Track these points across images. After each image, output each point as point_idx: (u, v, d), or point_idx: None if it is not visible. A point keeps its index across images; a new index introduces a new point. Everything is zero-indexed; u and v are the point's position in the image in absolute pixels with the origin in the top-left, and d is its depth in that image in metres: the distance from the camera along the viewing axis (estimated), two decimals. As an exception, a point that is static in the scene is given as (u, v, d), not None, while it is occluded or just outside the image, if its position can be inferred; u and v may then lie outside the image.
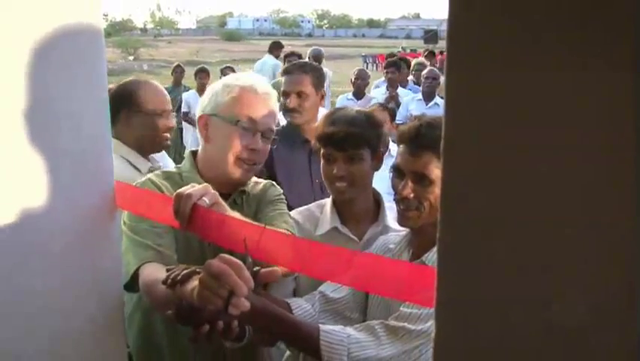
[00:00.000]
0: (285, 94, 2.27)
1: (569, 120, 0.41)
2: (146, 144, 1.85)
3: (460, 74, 0.43)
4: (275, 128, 1.47)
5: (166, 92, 1.95)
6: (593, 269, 0.42)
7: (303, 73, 2.31)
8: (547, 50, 0.41)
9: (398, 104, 4.77)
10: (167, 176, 1.45)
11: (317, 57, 5.65)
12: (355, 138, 1.49)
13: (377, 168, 1.61)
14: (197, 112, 1.48)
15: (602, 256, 0.41)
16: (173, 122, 1.94)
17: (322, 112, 2.26)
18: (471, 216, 0.44)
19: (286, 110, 2.26)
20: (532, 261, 0.43)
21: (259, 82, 1.44)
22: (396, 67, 5.52)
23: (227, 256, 0.97)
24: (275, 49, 7.13)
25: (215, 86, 1.46)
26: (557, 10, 0.40)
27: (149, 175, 1.44)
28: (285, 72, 2.36)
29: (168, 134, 1.89)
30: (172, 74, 7.60)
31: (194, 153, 1.50)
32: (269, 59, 7.00)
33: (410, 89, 5.68)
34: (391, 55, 7.31)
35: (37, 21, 0.89)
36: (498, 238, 0.44)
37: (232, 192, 1.44)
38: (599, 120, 0.40)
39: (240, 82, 1.43)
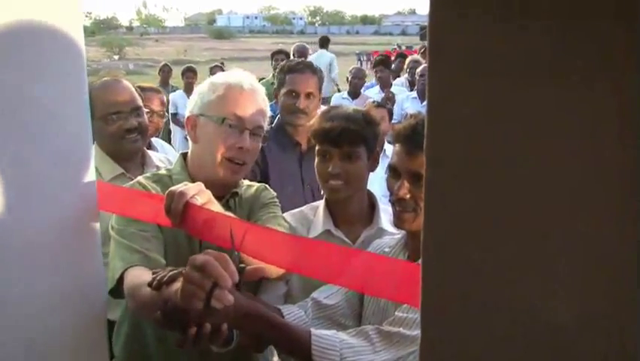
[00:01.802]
0: (293, 93, 2.22)
1: (555, 121, 0.41)
2: (108, 152, 1.78)
3: (442, 76, 0.44)
4: (265, 125, 1.46)
5: (123, 90, 1.80)
6: (580, 272, 0.42)
7: (313, 73, 2.28)
8: (531, 51, 0.41)
9: (394, 104, 4.78)
10: (157, 179, 1.45)
11: (302, 53, 5.66)
12: (352, 135, 1.50)
13: (373, 168, 1.61)
14: (185, 113, 1.48)
15: (588, 258, 0.42)
16: (128, 123, 1.77)
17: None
18: (455, 218, 0.45)
19: (291, 110, 2.22)
20: (517, 264, 0.44)
21: (246, 78, 1.44)
22: (385, 65, 5.55)
23: (213, 250, 0.97)
24: (325, 42, 7.81)
25: (202, 85, 1.46)
26: (542, 12, 0.40)
27: (139, 178, 1.44)
28: (292, 70, 2.27)
29: (129, 136, 1.77)
30: (159, 73, 7.59)
31: (184, 155, 1.50)
32: (324, 53, 7.27)
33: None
34: (383, 55, 7.43)
35: (15, 19, 0.89)
36: (482, 240, 0.44)
37: (224, 194, 1.44)
38: (585, 122, 0.40)
39: (225, 79, 1.42)
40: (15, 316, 1.00)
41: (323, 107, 3.74)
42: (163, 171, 1.49)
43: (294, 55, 5.46)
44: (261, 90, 1.46)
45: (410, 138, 1.29)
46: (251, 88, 1.42)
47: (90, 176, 1.11)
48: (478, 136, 0.43)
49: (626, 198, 0.41)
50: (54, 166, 1.02)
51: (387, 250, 1.42)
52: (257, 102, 1.43)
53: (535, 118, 0.42)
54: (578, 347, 0.43)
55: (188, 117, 1.45)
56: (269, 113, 1.49)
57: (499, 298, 0.45)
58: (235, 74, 1.46)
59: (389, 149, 3.22)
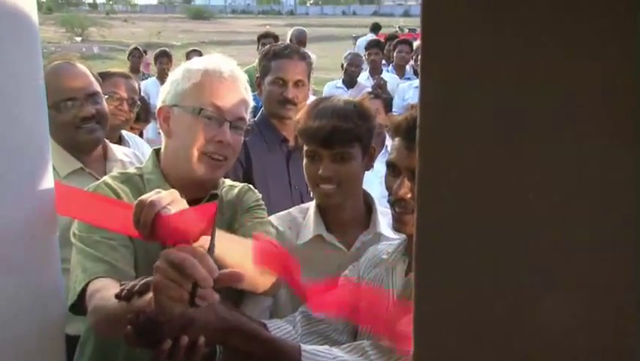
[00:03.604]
0: (280, 82, 2.19)
1: (546, 122, 0.43)
2: (63, 144, 1.76)
3: (435, 67, 0.45)
4: (247, 117, 1.45)
5: (77, 74, 1.79)
6: (579, 270, 0.44)
7: (301, 59, 2.25)
8: (533, 31, 0.43)
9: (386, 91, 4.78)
10: (126, 178, 1.43)
11: (300, 39, 5.57)
12: (344, 134, 1.48)
13: (369, 167, 1.61)
14: (157, 103, 1.46)
15: (588, 256, 0.44)
16: (84, 111, 1.76)
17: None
18: (449, 213, 0.46)
19: (278, 100, 2.20)
20: (515, 261, 0.46)
21: (226, 64, 1.43)
22: (380, 47, 5.56)
23: (187, 246, 0.97)
24: (375, 29, 8.52)
25: (176, 72, 1.45)
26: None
27: (105, 178, 1.43)
28: (279, 56, 2.23)
29: (85, 126, 1.76)
30: (128, 58, 7.59)
31: (157, 152, 1.49)
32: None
33: (409, 78, 5.72)
34: (392, 37, 7.25)
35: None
36: (478, 236, 0.46)
37: (202, 196, 1.43)
38: (575, 124, 0.43)
39: (203, 65, 1.41)
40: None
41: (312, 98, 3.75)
42: (133, 170, 1.49)
43: (291, 41, 5.24)
44: (243, 78, 1.45)
45: (411, 131, 1.28)
46: (231, 75, 1.41)
47: (47, 175, 1.10)
48: (472, 133, 0.45)
49: (625, 197, 0.43)
50: (7, 164, 1.01)
51: (384, 256, 1.43)
52: (238, 91, 1.42)
53: (529, 116, 0.43)
54: (580, 346, 0.45)
55: (160, 108, 1.43)
56: (252, 103, 1.48)
57: (495, 306, 0.46)
58: (213, 60, 1.44)
59: (390, 144, 3.20)
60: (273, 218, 1.62)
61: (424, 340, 0.49)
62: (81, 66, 1.85)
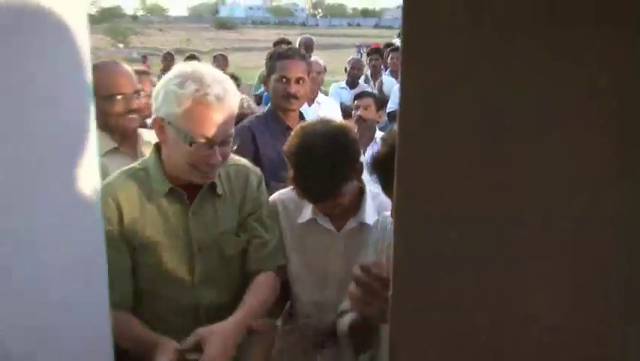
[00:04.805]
0: (284, 79, 2.26)
1: (538, 107, 0.40)
2: (104, 128, 1.82)
3: (415, 77, 0.43)
4: (235, 112, 1.38)
5: (125, 72, 1.88)
6: (563, 274, 0.41)
7: (301, 59, 2.34)
8: (515, 33, 0.40)
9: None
10: (132, 173, 1.42)
11: (307, 45, 5.67)
12: (332, 191, 1.41)
13: (359, 179, 1.54)
14: (152, 106, 1.39)
15: (573, 260, 0.41)
16: (132, 104, 1.86)
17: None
18: (427, 212, 0.43)
19: (283, 95, 2.27)
20: (498, 269, 0.42)
21: (213, 85, 1.29)
22: (379, 53, 5.64)
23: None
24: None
25: (166, 85, 1.33)
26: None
27: (109, 179, 1.41)
28: (282, 57, 2.31)
29: (130, 116, 1.84)
30: (162, 61, 7.63)
31: (158, 147, 1.45)
32: None
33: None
34: (388, 45, 7.26)
35: (19, 2, 0.90)
36: (460, 245, 0.43)
37: (201, 185, 1.43)
38: (575, 106, 0.40)
39: (191, 89, 1.28)
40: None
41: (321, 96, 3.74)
42: (138, 166, 1.46)
43: (299, 47, 5.45)
44: (230, 89, 1.34)
45: (386, 167, 1.21)
46: (217, 98, 1.29)
47: (94, 169, 1.04)
48: (451, 135, 0.42)
49: (611, 199, 0.40)
50: (58, 159, 1.00)
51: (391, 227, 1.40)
52: (225, 110, 1.32)
53: (512, 116, 0.41)
54: (568, 347, 0.41)
55: (154, 118, 1.37)
56: (239, 96, 1.43)
57: (477, 318, 0.43)
58: (202, 80, 1.30)
59: (380, 136, 3.22)
60: (281, 192, 1.64)
61: (406, 355, 0.45)
62: (129, 68, 1.95)
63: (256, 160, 2.17)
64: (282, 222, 1.59)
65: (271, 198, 1.63)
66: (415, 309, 0.44)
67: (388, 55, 5.90)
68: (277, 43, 5.79)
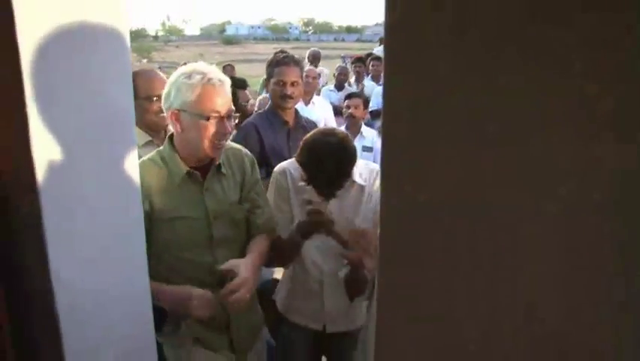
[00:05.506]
0: (281, 83, 2.33)
1: (525, 113, 0.36)
2: (141, 124, 1.87)
3: (400, 88, 0.39)
4: (233, 108, 1.50)
5: (161, 78, 1.92)
6: (554, 280, 0.36)
7: (296, 65, 2.40)
8: (500, 44, 0.36)
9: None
10: (153, 160, 1.50)
11: (316, 57, 5.78)
12: (337, 187, 1.55)
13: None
14: (163, 104, 1.49)
15: (565, 263, 0.36)
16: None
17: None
18: (416, 209, 0.39)
19: (280, 96, 2.33)
20: (487, 277, 0.37)
21: (214, 74, 1.44)
22: (362, 62, 5.73)
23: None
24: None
25: (176, 81, 1.44)
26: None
27: (144, 158, 1.49)
28: (279, 63, 2.40)
29: (163, 115, 1.82)
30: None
31: (171, 138, 1.54)
32: None
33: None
34: (369, 55, 7.33)
35: (72, 20, 0.93)
36: (449, 250, 0.38)
37: (207, 163, 1.51)
38: (563, 112, 0.35)
39: (197, 79, 1.41)
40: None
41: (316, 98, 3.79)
42: (154, 154, 1.54)
43: (308, 58, 5.61)
44: (224, 78, 1.47)
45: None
46: (220, 82, 1.44)
47: (133, 152, 1.05)
48: (439, 139, 0.38)
49: (603, 200, 0.35)
50: (106, 140, 1.02)
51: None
52: (226, 92, 1.46)
53: (497, 123, 0.37)
54: (565, 341, 0.36)
55: (171, 112, 1.45)
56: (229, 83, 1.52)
57: (465, 327, 0.37)
58: (204, 71, 1.44)
59: (365, 131, 3.30)
60: (286, 162, 1.75)
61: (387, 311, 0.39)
62: (163, 74, 2.00)
63: (261, 149, 2.24)
64: (289, 184, 1.71)
65: (279, 165, 1.77)
66: (400, 300, 0.38)
67: (369, 63, 5.98)
68: (276, 53, 5.82)
